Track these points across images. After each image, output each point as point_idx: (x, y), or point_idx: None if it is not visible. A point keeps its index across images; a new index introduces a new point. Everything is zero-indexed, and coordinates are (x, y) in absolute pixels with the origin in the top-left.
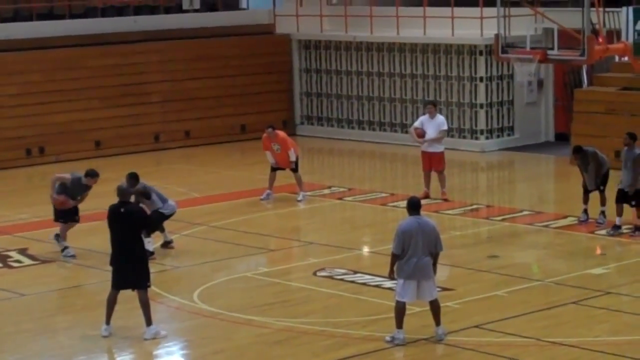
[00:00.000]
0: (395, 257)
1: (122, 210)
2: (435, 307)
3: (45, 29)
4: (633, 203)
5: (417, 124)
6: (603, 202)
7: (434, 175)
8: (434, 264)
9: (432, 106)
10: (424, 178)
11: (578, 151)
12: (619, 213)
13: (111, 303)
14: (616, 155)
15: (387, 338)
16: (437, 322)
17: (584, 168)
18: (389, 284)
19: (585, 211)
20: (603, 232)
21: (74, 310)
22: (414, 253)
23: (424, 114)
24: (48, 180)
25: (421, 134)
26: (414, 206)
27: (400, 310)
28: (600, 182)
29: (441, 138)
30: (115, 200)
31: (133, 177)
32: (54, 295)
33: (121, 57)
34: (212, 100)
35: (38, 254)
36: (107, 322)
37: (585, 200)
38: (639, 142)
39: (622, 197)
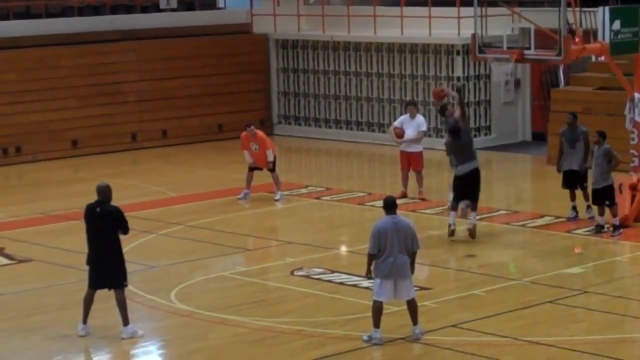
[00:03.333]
0: (371, 257)
1: (98, 209)
2: (412, 306)
3: (22, 28)
4: (607, 203)
5: (396, 123)
6: (587, 197)
7: (411, 175)
8: (412, 264)
9: (413, 106)
10: (401, 177)
11: (575, 117)
12: (601, 213)
13: (88, 302)
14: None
15: (365, 337)
16: (415, 322)
17: (572, 144)
18: (366, 283)
19: (574, 208)
20: (580, 231)
21: (51, 310)
22: (390, 252)
23: (402, 113)
24: (24, 180)
25: (400, 133)
26: (389, 205)
27: (377, 310)
28: (585, 167)
29: (420, 138)
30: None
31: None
32: (30, 295)
33: (98, 57)
34: (189, 100)
35: (14, 254)
36: (84, 321)
37: (573, 197)
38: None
39: (597, 197)
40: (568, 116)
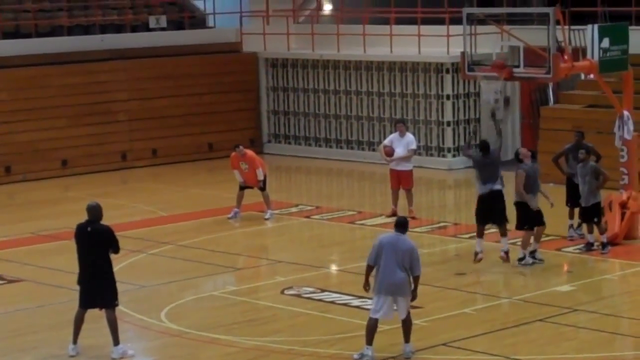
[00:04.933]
0: (367, 268)
1: (89, 229)
2: (406, 324)
3: (12, 47)
4: (595, 220)
5: (386, 142)
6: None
7: (401, 193)
8: (414, 289)
9: (402, 124)
10: (392, 196)
11: (582, 135)
12: (590, 231)
13: (78, 322)
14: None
15: (356, 356)
16: (407, 340)
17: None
18: (356, 302)
19: (572, 226)
20: (570, 248)
21: (41, 330)
22: (384, 268)
23: (392, 132)
24: (14, 199)
25: (390, 152)
26: (399, 224)
27: (369, 327)
28: None
29: (410, 156)
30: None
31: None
32: (20, 315)
33: (88, 76)
34: (179, 119)
35: (5, 274)
36: (75, 341)
37: (572, 215)
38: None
39: (587, 215)
40: (575, 134)
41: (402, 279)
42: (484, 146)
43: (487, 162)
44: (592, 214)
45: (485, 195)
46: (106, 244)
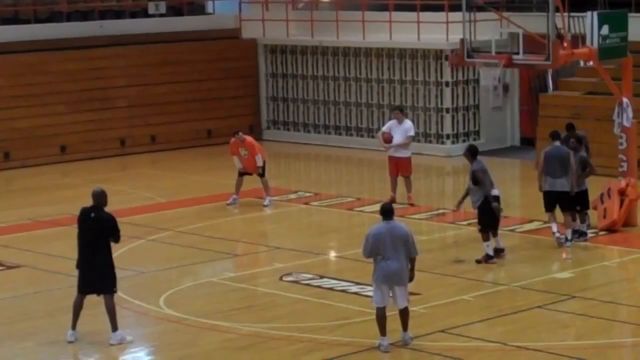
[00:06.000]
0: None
1: (92, 215)
2: (404, 314)
3: (10, 33)
4: (578, 208)
5: (384, 128)
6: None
7: (400, 180)
8: (411, 269)
9: (400, 112)
10: (390, 183)
11: (572, 126)
12: (582, 219)
13: (77, 308)
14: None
15: (376, 344)
16: (405, 328)
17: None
18: (355, 288)
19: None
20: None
21: (40, 316)
22: (383, 257)
23: (391, 118)
24: (13, 185)
25: (388, 139)
26: (385, 212)
27: (378, 318)
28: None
29: (408, 143)
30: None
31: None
32: (19, 301)
33: (87, 62)
34: (178, 105)
35: (3, 260)
36: (73, 327)
37: None
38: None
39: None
40: (567, 127)
41: (400, 267)
42: (475, 151)
43: (485, 168)
44: (574, 202)
45: (497, 203)
46: (108, 231)
